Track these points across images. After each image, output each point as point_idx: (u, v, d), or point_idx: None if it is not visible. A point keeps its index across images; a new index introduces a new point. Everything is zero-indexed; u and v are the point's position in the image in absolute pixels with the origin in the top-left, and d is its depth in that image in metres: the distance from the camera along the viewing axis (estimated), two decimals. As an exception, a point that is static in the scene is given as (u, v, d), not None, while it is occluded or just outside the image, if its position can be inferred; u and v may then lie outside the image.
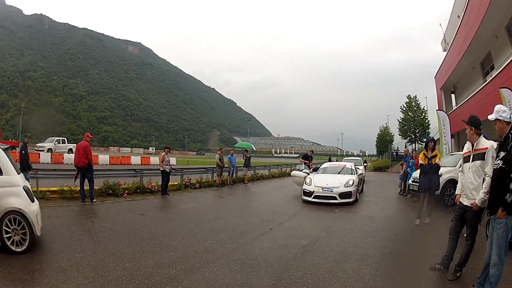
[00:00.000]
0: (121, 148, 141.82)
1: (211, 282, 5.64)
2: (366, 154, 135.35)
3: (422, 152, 11.18)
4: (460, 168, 6.26)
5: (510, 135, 4.85)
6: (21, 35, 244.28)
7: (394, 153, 54.89)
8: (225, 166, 22.46)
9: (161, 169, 16.52)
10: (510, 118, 5.03)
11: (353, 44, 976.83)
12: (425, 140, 13.22)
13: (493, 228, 4.96)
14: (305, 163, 22.16)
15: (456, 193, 6.28)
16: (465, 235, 5.92)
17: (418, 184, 12.10)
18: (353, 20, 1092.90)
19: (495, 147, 5.37)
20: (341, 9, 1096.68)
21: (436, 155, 10.90)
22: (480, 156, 5.66)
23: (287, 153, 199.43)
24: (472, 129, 5.83)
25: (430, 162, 10.76)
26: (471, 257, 5.99)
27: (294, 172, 19.68)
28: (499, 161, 4.88)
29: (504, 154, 4.82)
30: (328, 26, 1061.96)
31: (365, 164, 34.25)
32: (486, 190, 5.31)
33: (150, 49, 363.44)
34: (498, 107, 5.14)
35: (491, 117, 5.19)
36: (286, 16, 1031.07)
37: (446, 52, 33.63)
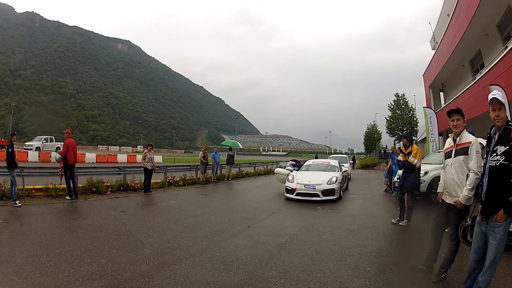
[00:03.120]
0: (109, 147, 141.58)
1: (181, 279, 5.55)
2: (355, 152, 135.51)
3: (399, 148, 10.88)
4: (442, 165, 6.01)
5: (508, 127, 4.52)
6: (13, 33, 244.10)
7: (382, 151, 54.81)
8: (209, 163, 22.33)
9: (143, 166, 16.35)
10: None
11: (339, 44, 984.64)
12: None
13: (489, 233, 4.53)
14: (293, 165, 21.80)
15: (438, 191, 5.99)
16: (449, 235, 5.65)
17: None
18: (339, 20, 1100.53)
19: (482, 143, 5.16)
20: (326, 10, 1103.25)
21: (411, 152, 10.61)
22: (463, 150, 5.39)
23: (275, 151, 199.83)
24: (463, 119, 5.49)
25: (406, 159, 10.50)
26: (457, 257, 5.75)
27: (277, 170, 19.50)
28: (498, 157, 4.46)
29: (506, 148, 4.36)
30: (313, 26, 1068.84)
31: (352, 161, 33.96)
32: (470, 187, 5.09)
33: (139, 47, 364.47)
34: (495, 91, 4.84)
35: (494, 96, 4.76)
36: (271, 16, 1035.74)
37: (434, 51, 33.63)
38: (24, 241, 7.45)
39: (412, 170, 10.46)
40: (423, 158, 18.85)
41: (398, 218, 10.53)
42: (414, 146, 10.59)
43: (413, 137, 47.05)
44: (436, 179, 13.12)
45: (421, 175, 13.75)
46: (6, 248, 6.84)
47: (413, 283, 5.73)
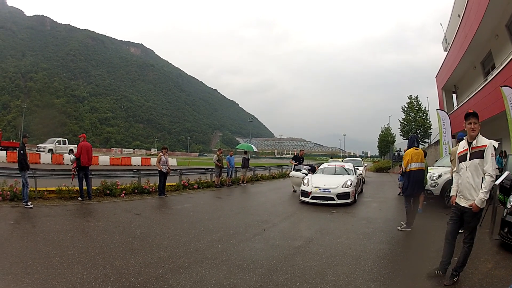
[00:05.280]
0: (123, 149, 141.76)
1: (197, 282, 5.57)
2: (369, 155, 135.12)
3: None
4: (455, 168, 5.99)
5: None
6: (23, 36, 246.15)
7: (396, 154, 54.50)
8: (224, 166, 22.31)
9: (158, 169, 16.42)
10: None
11: (351, 47, 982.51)
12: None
13: None
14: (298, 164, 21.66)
15: (451, 194, 5.97)
16: (463, 238, 5.65)
17: None
18: (351, 23, 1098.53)
19: (495, 146, 5.17)
20: (339, 13, 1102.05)
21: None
22: (479, 154, 5.40)
23: (289, 154, 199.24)
24: (479, 123, 5.53)
25: None
26: (469, 261, 5.74)
27: (292, 173, 19.46)
28: None
29: None
30: (326, 29, 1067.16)
31: (365, 165, 33.90)
32: (486, 190, 5.10)
33: (152, 51, 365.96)
34: None
35: None
36: (284, 19, 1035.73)
37: (446, 52, 33.45)
38: (36, 242, 7.49)
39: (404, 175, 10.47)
40: (436, 161, 18.87)
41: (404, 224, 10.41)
42: (408, 150, 10.62)
43: (428, 140, 47.28)
44: (449, 182, 13.10)
45: (434, 177, 13.90)
46: (17, 249, 6.90)
47: (426, 286, 5.72)
